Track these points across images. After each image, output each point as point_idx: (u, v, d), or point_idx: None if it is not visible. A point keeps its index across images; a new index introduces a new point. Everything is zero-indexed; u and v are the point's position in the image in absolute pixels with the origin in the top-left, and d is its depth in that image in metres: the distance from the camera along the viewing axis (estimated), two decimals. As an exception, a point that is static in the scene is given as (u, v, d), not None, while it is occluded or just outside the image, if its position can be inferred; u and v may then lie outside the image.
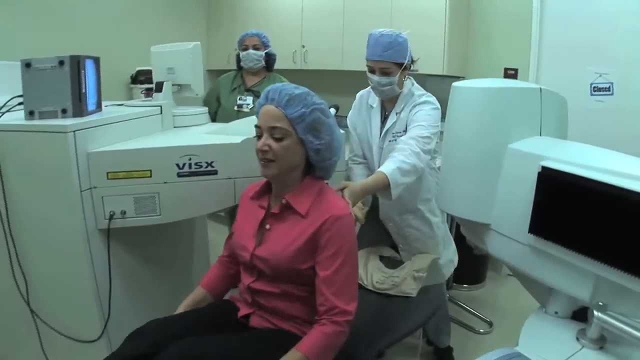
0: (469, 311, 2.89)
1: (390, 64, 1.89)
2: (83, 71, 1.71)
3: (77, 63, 1.68)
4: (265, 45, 2.83)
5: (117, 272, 1.75)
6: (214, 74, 4.29)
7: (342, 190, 1.57)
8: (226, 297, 1.63)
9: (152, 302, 1.95)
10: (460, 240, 1.93)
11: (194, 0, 4.56)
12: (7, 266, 1.72)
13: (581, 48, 2.84)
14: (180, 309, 1.50)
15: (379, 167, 1.82)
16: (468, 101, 1.30)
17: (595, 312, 1.02)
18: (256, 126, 1.39)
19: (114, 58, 3.66)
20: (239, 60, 2.85)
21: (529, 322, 1.20)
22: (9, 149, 1.65)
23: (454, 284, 3.21)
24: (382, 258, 2.02)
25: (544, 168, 1.09)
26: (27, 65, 1.65)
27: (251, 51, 2.77)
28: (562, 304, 1.20)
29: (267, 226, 1.43)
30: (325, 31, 3.69)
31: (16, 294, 1.72)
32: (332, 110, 2.21)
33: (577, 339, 1.09)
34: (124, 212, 1.69)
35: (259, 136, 1.38)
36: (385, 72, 1.90)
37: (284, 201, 1.41)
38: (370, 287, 1.85)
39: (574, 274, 1.08)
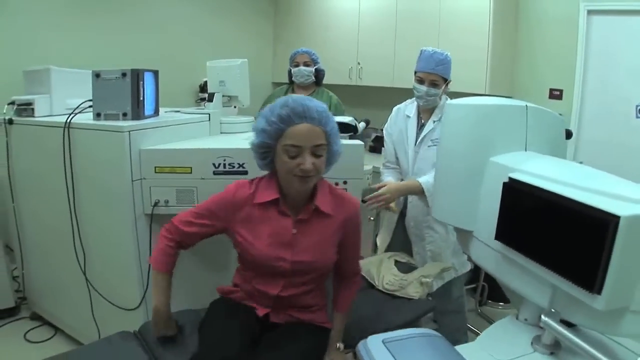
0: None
1: (439, 78, 2.12)
2: (142, 82, 1.97)
3: (136, 75, 1.94)
4: (314, 61, 2.99)
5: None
6: (278, 86, 4.54)
7: (380, 187, 2.01)
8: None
9: (185, 279, 2.16)
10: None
11: (263, 20, 4.86)
12: (70, 241, 2.01)
13: (626, 70, 2.72)
14: (161, 300, 1.46)
15: (412, 169, 2.17)
16: (459, 117, 1.36)
17: (543, 317, 1.05)
18: (292, 146, 1.34)
19: (189, 70, 4.03)
20: (290, 75, 3.04)
21: (496, 324, 1.24)
22: (79, 143, 1.95)
23: (489, 300, 3.16)
24: (396, 262, 2.09)
25: (510, 179, 1.14)
26: (97, 75, 1.93)
27: (302, 67, 2.95)
28: (531, 312, 1.22)
29: (294, 231, 1.44)
30: (378, 50, 3.80)
31: (76, 265, 2.00)
32: (362, 125, 2.34)
33: (532, 343, 1.12)
34: (166, 201, 1.91)
35: (293, 155, 1.35)
36: (434, 84, 2.12)
37: (313, 207, 1.44)
38: (380, 288, 1.93)
39: (535, 282, 1.10)
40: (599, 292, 0.92)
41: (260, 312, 1.49)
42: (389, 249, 2.35)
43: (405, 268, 2.04)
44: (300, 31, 4.57)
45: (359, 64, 4.01)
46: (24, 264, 2.50)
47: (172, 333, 1.49)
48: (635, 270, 0.92)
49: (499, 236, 1.17)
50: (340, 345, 1.51)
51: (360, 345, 0.76)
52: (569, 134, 1.72)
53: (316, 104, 1.38)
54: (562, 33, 2.96)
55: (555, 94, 3.01)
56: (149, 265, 1.90)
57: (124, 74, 1.93)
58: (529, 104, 1.32)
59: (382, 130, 4.14)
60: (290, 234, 1.44)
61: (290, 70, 3.02)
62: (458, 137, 1.37)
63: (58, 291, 2.33)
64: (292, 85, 3.11)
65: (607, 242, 0.88)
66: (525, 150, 1.33)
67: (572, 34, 2.89)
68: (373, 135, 4.27)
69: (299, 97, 1.39)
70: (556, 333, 1.02)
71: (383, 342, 0.76)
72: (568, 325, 1.17)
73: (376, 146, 4.17)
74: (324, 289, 1.60)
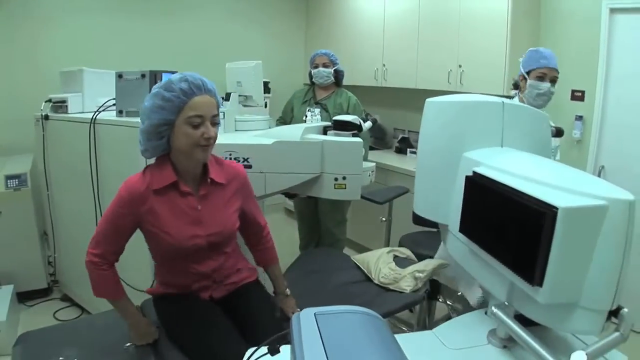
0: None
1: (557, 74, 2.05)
2: (159, 82, 2.07)
3: (154, 76, 2.05)
4: (333, 62, 3.02)
5: None
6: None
7: None
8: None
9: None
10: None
11: (294, 24, 4.95)
12: (94, 228, 2.15)
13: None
14: (132, 311, 1.51)
15: None
16: (436, 114, 1.36)
17: (493, 308, 1.03)
18: (196, 116, 1.37)
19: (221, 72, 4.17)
20: (311, 76, 3.08)
21: (462, 316, 1.23)
22: (103, 137, 2.09)
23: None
24: (395, 257, 2.09)
25: (474, 173, 1.13)
26: (119, 76, 2.06)
27: (321, 69, 2.99)
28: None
29: (199, 207, 1.48)
30: (402, 53, 3.78)
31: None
32: (369, 123, 2.35)
33: (487, 336, 1.10)
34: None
35: (196, 125, 1.38)
36: (553, 80, 2.04)
37: (209, 180, 1.49)
38: (375, 281, 1.94)
39: (494, 275, 1.09)
40: (539, 284, 0.90)
41: (204, 295, 1.54)
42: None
43: (404, 263, 2.03)
44: (330, 34, 4.62)
45: (384, 65, 4.00)
46: (56, 249, 2.69)
47: (156, 337, 1.52)
48: (579, 264, 0.90)
49: (462, 229, 1.16)
50: (287, 290, 1.70)
51: (294, 316, 0.79)
52: (559, 132, 1.67)
53: (203, 77, 1.43)
54: (584, 32, 2.82)
55: (577, 96, 2.88)
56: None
57: (143, 75, 2.04)
58: (506, 101, 1.30)
59: (410, 131, 4.15)
60: (197, 211, 1.47)
61: (311, 71, 3.07)
62: (435, 133, 1.36)
63: (84, 275, 2.45)
64: (312, 86, 3.15)
65: (544, 234, 0.87)
66: (502, 146, 1.31)
67: (594, 33, 2.76)
68: (399, 136, 4.24)
69: (193, 73, 1.43)
70: (504, 324, 1.01)
71: (315, 314, 0.79)
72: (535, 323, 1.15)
73: (402, 147, 4.14)
74: (238, 248, 1.66)
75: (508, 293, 1.07)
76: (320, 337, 0.76)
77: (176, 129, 1.39)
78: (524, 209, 0.91)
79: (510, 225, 0.97)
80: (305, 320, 0.80)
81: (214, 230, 1.49)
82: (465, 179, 1.14)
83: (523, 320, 1.09)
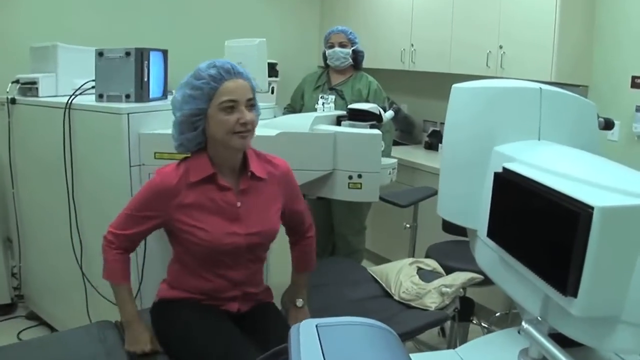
0: None
1: None
2: (147, 62, 2.17)
3: (141, 55, 2.14)
4: (352, 42, 3.08)
5: (153, 247, 2.12)
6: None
7: None
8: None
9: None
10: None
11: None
12: (68, 232, 2.25)
13: None
14: (129, 310, 1.63)
15: None
16: (462, 102, 1.42)
17: (524, 324, 1.09)
18: (229, 100, 1.51)
19: (219, 51, 4.25)
20: (325, 58, 3.15)
21: (493, 334, 1.28)
22: (80, 125, 2.19)
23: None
24: (419, 270, 2.15)
25: (503, 169, 1.19)
26: (100, 54, 2.15)
27: (337, 49, 3.05)
28: (531, 322, 1.26)
29: (239, 204, 1.62)
30: (434, 32, 3.82)
31: (73, 259, 2.24)
32: (390, 113, 2.41)
33: (518, 357, 1.15)
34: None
35: (230, 108, 1.51)
36: None
37: (249, 174, 1.62)
38: (396, 297, 2.00)
39: (527, 287, 1.14)
40: (574, 294, 0.95)
41: (232, 307, 1.65)
42: None
43: (429, 276, 2.08)
44: (348, 9, 4.67)
45: (412, 45, 4.04)
46: (21, 258, 2.76)
47: (153, 348, 1.59)
48: (620, 272, 0.94)
49: (490, 233, 1.22)
50: (299, 301, 1.83)
51: (293, 328, 0.86)
52: (608, 124, 1.71)
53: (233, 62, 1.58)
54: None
55: (638, 83, 2.90)
56: (144, 260, 2.10)
57: (127, 53, 2.13)
58: (544, 87, 1.35)
59: (442, 123, 4.17)
60: (236, 208, 1.61)
61: (325, 52, 3.13)
62: (463, 124, 1.42)
63: (54, 288, 2.58)
64: (327, 69, 3.22)
65: (578, 237, 0.92)
66: (539, 139, 1.36)
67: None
68: (430, 129, 4.28)
69: (222, 59, 1.59)
70: (535, 341, 1.06)
71: (316, 326, 0.85)
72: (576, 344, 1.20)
73: (432, 142, 4.18)
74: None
75: (542, 307, 1.12)
76: (322, 351, 0.82)
77: (210, 118, 1.54)
78: (556, 209, 0.96)
79: (541, 228, 1.02)
80: (305, 333, 0.86)
81: (255, 229, 1.62)
82: (494, 177, 1.19)
83: (563, 341, 1.14)
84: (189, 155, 1.64)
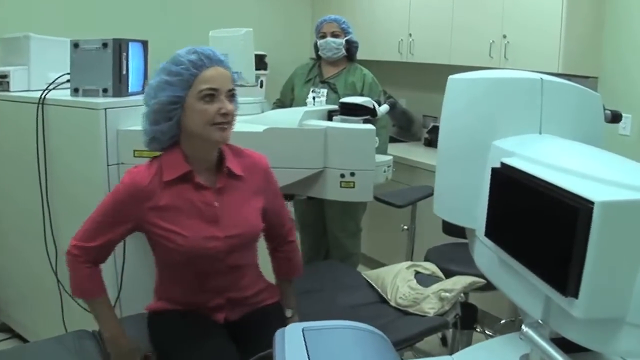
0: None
1: None
2: (125, 54, 2.18)
3: (119, 46, 2.15)
4: (345, 31, 3.09)
5: (132, 252, 2.14)
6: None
7: None
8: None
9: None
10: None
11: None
12: (42, 236, 2.26)
13: None
14: (113, 325, 1.61)
15: None
16: (460, 94, 1.43)
17: (524, 327, 1.11)
18: (209, 89, 1.49)
19: (203, 42, 4.25)
20: (317, 49, 3.17)
21: (493, 340, 1.30)
22: (54, 121, 2.20)
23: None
24: (417, 273, 2.16)
25: (502, 164, 1.21)
26: (75, 45, 2.16)
27: (329, 39, 3.07)
28: (532, 326, 1.28)
29: (216, 204, 1.60)
30: (434, 20, 3.84)
31: (48, 264, 2.25)
32: (385, 107, 2.43)
33: (519, 361, 1.17)
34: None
35: (210, 97, 1.49)
36: None
37: (226, 170, 1.61)
38: (392, 302, 2.02)
39: (526, 288, 1.16)
40: (574, 295, 0.97)
41: (219, 317, 1.65)
42: None
43: (428, 281, 2.10)
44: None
45: (410, 35, 4.07)
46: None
47: None
48: (624, 270, 0.96)
49: (488, 232, 1.24)
50: (288, 311, 1.82)
51: (278, 332, 0.88)
52: (615, 117, 1.74)
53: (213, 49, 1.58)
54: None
55: (653, 75, 2.94)
56: (123, 262, 2.10)
57: (104, 44, 2.14)
58: (545, 77, 1.37)
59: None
60: (214, 208, 1.59)
61: (317, 42, 3.15)
62: (459, 118, 1.44)
63: (27, 297, 2.58)
64: (318, 61, 3.24)
65: (578, 233, 0.94)
66: (540, 133, 1.38)
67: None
68: (430, 125, 4.31)
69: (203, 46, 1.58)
70: (536, 346, 1.08)
71: (303, 330, 0.87)
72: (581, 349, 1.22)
73: (432, 139, 4.20)
74: (257, 260, 1.79)
75: (544, 310, 1.14)
76: (307, 355, 0.84)
77: (187, 108, 1.51)
78: (555, 205, 0.98)
79: (540, 225, 1.04)
80: (291, 337, 0.88)
81: (234, 231, 1.60)
82: (492, 172, 1.21)
83: (567, 346, 1.16)
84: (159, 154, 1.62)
